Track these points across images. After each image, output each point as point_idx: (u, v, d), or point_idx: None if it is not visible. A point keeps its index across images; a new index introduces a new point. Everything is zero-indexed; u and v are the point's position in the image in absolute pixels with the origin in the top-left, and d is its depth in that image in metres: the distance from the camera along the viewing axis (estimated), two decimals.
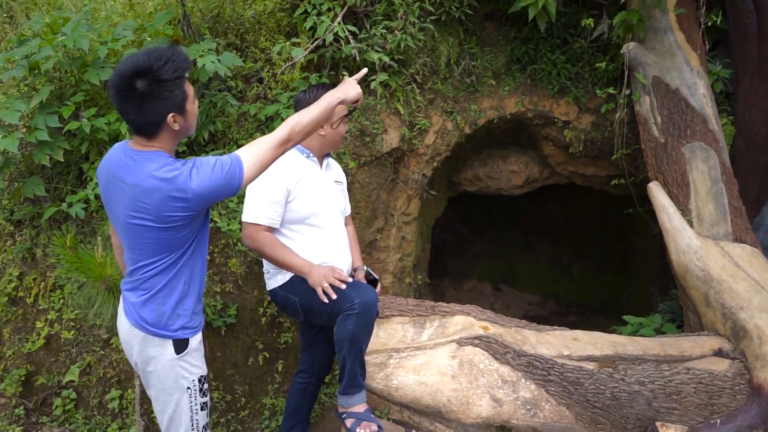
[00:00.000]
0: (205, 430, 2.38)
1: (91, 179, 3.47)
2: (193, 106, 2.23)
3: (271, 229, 2.83)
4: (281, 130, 2.23)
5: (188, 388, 2.27)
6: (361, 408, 2.76)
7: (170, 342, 2.23)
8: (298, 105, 2.86)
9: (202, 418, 2.34)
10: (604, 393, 2.82)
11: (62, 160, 3.43)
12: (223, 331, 3.61)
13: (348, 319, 2.62)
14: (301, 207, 2.87)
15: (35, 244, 3.70)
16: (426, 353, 2.93)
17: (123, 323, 2.30)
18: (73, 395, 3.67)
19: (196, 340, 2.31)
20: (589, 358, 2.95)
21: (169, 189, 2.06)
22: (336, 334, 2.69)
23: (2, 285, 3.72)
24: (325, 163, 3.07)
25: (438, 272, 6.91)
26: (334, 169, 3.18)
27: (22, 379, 3.66)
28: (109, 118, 3.44)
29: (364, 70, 2.63)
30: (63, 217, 3.61)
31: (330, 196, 3.01)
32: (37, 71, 3.47)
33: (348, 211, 3.26)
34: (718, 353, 3.05)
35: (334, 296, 2.68)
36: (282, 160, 2.92)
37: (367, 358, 2.92)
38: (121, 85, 2.07)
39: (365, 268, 3.16)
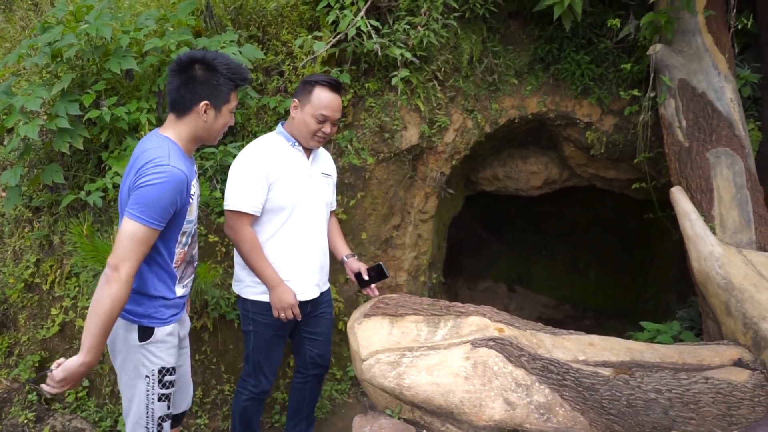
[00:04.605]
0: (163, 421, 2.38)
1: (110, 168, 3.47)
2: (228, 114, 2.32)
3: (253, 218, 2.78)
4: None
5: (146, 376, 2.31)
6: None
7: (135, 327, 2.28)
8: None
9: (159, 409, 2.35)
10: (620, 400, 2.77)
11: (82, 148, 3.43)
12: (236, 324, 3.60)
13: (241, 395, 3.00)
14: (281, 197, 2.80)
15: (53, 231, 3.72)
16: (439, 353, 2.90)
17: None
18: (86, 383, 3.69)
19: (163, 332, 2.33)
20: (605, 364, 2.90)
21: (131, 181, 2.16)
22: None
23: (19, 271, 3.74)
24: (312, 154, 2.97)
25: (453, 271, 6.87)
26: (323, 161, 3.07)
27: (36, 365, 3.68)
28: (129, 108, 3.44)
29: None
30: (81, 205, 3.62)
31: (314, 188, 2.93)
32: (59, 59, 3.48)
33: (334, 206, 3.18)
34: (738, 363, 2.98)
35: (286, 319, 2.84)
36: (265, 146, 2.84)
37: (379, 356, 2.90)
38: (183, 63, 2.23)
39: (355, 257, 3.16)
